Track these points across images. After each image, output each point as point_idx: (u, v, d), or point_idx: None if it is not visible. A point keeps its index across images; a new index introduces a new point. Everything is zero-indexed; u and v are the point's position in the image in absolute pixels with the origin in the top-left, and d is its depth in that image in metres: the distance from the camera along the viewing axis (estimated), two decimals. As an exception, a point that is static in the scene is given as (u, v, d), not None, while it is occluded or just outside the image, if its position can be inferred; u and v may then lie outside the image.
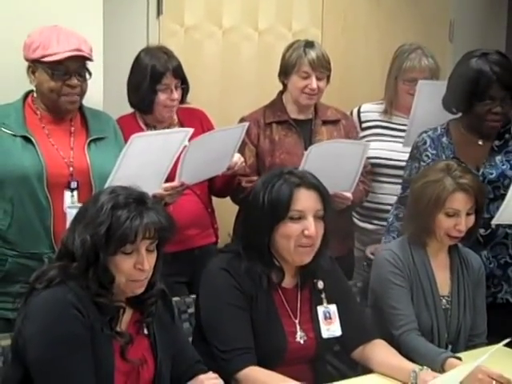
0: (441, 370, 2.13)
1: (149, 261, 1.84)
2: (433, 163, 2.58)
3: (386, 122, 3.17)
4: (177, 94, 2.73)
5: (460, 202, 2.34)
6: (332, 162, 2.62)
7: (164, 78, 2.70)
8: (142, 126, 2.77)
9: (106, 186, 2.23)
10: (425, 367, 2.08)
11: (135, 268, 1.82)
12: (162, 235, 1.85)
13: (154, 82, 2.69)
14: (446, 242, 2.41)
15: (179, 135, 2.46)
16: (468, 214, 2.36)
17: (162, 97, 2.71)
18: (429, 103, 2.86)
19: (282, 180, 2.10)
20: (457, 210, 2.34)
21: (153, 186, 2.39)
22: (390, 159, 3.09)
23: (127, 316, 1.90)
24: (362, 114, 3.20)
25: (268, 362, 2.07)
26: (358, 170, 2.75)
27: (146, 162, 2.36)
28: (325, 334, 2.18)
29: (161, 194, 2.47)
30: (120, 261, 1.81)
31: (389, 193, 3.07)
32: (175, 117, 2.82)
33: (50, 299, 1.77)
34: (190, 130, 2.47)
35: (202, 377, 1.96)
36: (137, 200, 1.83)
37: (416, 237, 2.44)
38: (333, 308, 2.21)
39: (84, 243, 1.79)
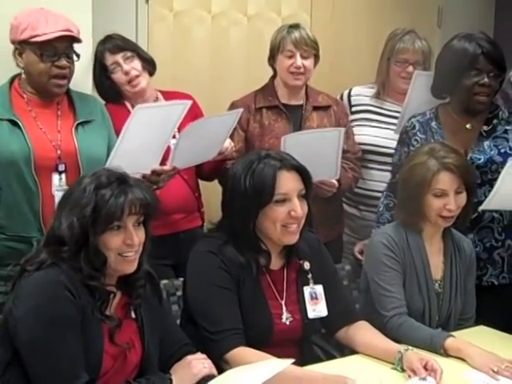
0: (443, 352, 2.16)
1: (138, 235, 1.86)
2: (418, 147, 2.58)
3: (377, 107, 3.15)
4: (130, 65, 2.70)
5: (445, 181, 2.33)
6: (310, 151, 2.58)
7: (105, 59, 2.69)
8: (130, 109, 2.72)
9: (109, 161, 2.27)
10: (410, 348, 2.09)
11: (125, 244, 1.84)
12: (146, 211, 1.87)
13: (101, 68, 2.69)
14: (441, 223, 2.40)
15: (178, 107, 2.45)
16: (458, 193, 2.35)
17: (116, 77, 2.70)
18: (423, 93, 2.85)
19: (262, 164, 2.09)
20: (444, 190, 2.33)
21: (152, 160, 2.40)
22: (380, 146, 3.08)
23: (116, 299, 1.91)
24: (352, 98, 3.18)
25: (255, 343, 2.07)
26: (337, 155, 2.73)
27: (147, 135, 2.36)
28: (311, 315, 2.20)
29: (162, 169, 2.47)
30: (109, 238, 1.83)
31: (377, 179, 3.07)
32: (162, 100, 2.79)
33: (42, 280, 1.78)
34: (189, 103, 2.46)
35: (190, 357, 1.97)
36: (119, 179, 1.85)
37: (409, 222, 2.42)
38: (319, 288, 2.22)
39: (72, 226, 1.80)
